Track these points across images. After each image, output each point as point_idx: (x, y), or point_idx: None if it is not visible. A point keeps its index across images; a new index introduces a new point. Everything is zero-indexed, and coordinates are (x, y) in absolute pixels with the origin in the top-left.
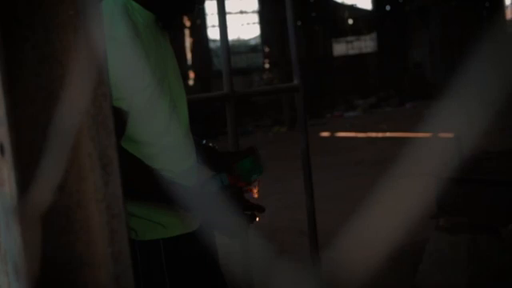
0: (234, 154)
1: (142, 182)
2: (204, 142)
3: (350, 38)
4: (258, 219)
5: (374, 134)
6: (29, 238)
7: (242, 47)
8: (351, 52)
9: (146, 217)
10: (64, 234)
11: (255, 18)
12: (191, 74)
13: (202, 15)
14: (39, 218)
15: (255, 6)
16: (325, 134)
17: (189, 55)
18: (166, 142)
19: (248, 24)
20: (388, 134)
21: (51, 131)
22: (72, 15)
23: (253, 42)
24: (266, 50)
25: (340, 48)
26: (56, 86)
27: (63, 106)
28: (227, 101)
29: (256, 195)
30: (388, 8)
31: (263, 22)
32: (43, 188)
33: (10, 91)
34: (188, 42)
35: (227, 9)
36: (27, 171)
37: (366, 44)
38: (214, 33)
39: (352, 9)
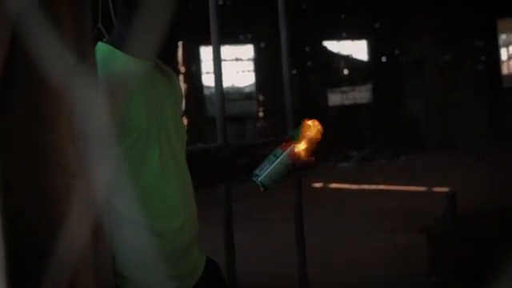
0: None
1: None
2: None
3: (345, 89)
4: None
5: (367, 187)
6: None
7: (237, 94)
8: (346, 102)
9: (131, 277)
10: None
11: (250, 65)
12: (185, 120)
13: (197, 61)
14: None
15: (251, 53)
16: (317, 184)
17: (183, 101)
18: (154, 195)
19: (243, 71)
20: (382, 187)
21: (43, 191)
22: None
23: (247, 90)
24: (261, 98)
25: (335, 98)
26: (49, 147)
27: (56, 169)
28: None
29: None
30: (384, 59)
31: (258, 70)
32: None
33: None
34: (182, 87)
35: (222, 56)
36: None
37: (362, 95)
38: (208, 79)
39: (348, 59)
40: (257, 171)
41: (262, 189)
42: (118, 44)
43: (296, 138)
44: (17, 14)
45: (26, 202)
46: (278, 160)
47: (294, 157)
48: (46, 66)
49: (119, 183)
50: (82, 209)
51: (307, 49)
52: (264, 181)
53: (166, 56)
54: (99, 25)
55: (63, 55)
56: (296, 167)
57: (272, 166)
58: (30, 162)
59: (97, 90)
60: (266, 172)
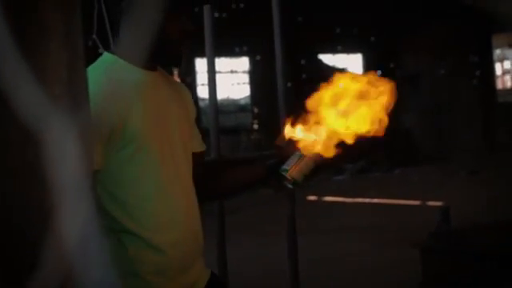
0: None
1: None
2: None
3: None
4: None
5: (361, 200)
6: None
7: (232, 106)
8: None
9: None
10: None
11: (246, 78)
12: None
13: (192, 73)
14: None
15: (246, 66)
16: (312, 197)
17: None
18: (152, 206)
19: (238, 84)
20: (376, 200)
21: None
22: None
23: (242, 102)
24: (256, 110)
25: None
26: (37, 164)
27: (45, 185)
28: None
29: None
30: (379, 73)
31: (253, 83)
32: None
33: None
34: None
35: (218, 68)
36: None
37: None
38: (203, 91)
39: (343, 72)
40: (285, 166)
41: (290, 186)
42: (121, 53)
43: None
44: None
45: (15, 216)
46: (307, 154)
47: (323, 150)
48: (21, 105)
49: (116, 192)
50: (70, 224)
51: (302, 62)
52: (294, 175)
53: (172, 61)
54: (94, 36)
55: (38, 96)
56: (324, 161)
57: (301, 159)
58: (18, 178)
59: (79, 121)
60: (295, 166)
